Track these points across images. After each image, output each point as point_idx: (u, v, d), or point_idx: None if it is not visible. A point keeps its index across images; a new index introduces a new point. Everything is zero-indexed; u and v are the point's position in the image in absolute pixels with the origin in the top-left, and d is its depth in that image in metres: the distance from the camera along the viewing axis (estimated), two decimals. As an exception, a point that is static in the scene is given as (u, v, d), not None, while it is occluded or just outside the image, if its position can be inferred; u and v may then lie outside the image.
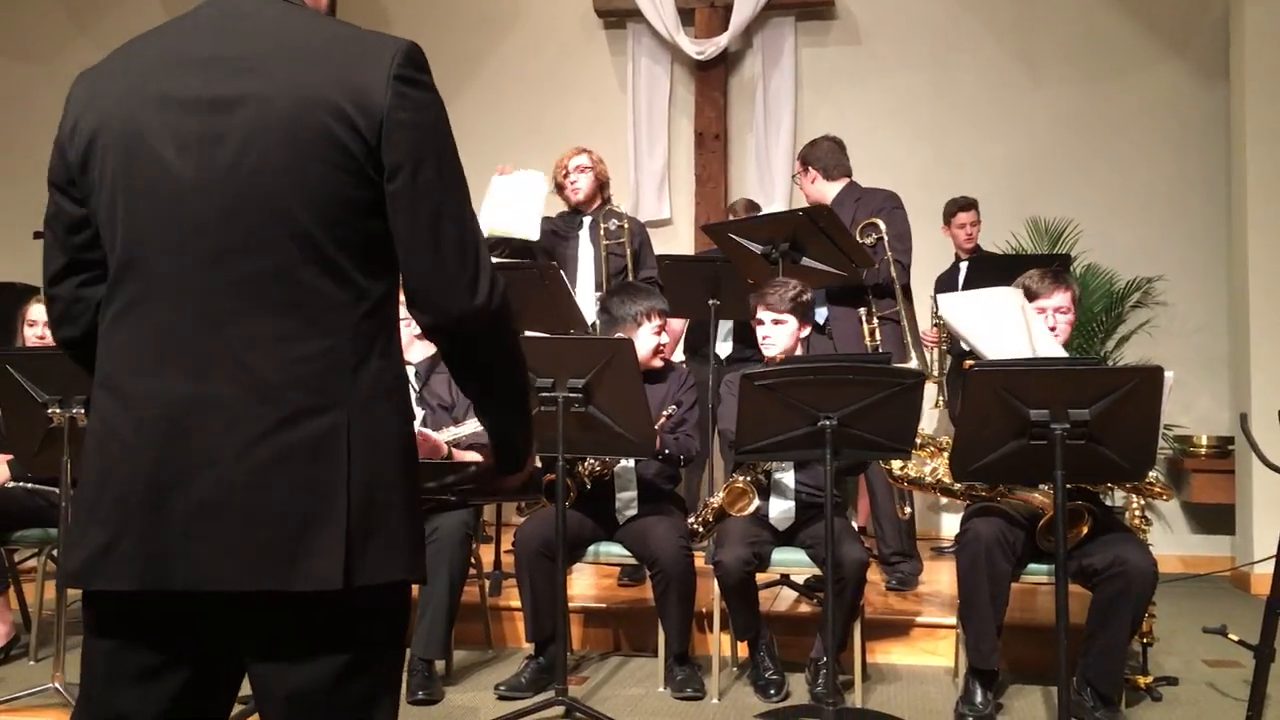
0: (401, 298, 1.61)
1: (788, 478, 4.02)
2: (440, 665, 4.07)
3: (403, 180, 1.50)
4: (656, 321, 4.23)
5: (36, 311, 4.61)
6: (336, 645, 1.51)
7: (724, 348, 5.63)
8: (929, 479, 3.94)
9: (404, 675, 3.77)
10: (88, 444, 1.53)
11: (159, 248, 1.50)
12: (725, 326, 5.61)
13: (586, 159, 5.36)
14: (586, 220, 5.37)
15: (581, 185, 5.33)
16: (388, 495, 1.51)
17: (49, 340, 4.51)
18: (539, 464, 1.83)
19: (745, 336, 5.35)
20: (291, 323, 1.47)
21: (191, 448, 1.45)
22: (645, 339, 4.19)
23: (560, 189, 5.41)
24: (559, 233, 5.38)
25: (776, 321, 4.05)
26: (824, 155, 5.11)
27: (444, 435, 3.97)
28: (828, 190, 5.08)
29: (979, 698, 3.67)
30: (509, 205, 5.08)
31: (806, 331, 4.14)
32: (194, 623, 1.50)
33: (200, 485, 1.44)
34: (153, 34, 1.62)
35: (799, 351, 4.11)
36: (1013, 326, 3.80)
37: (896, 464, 3.97)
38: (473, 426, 4.08)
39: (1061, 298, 3.88)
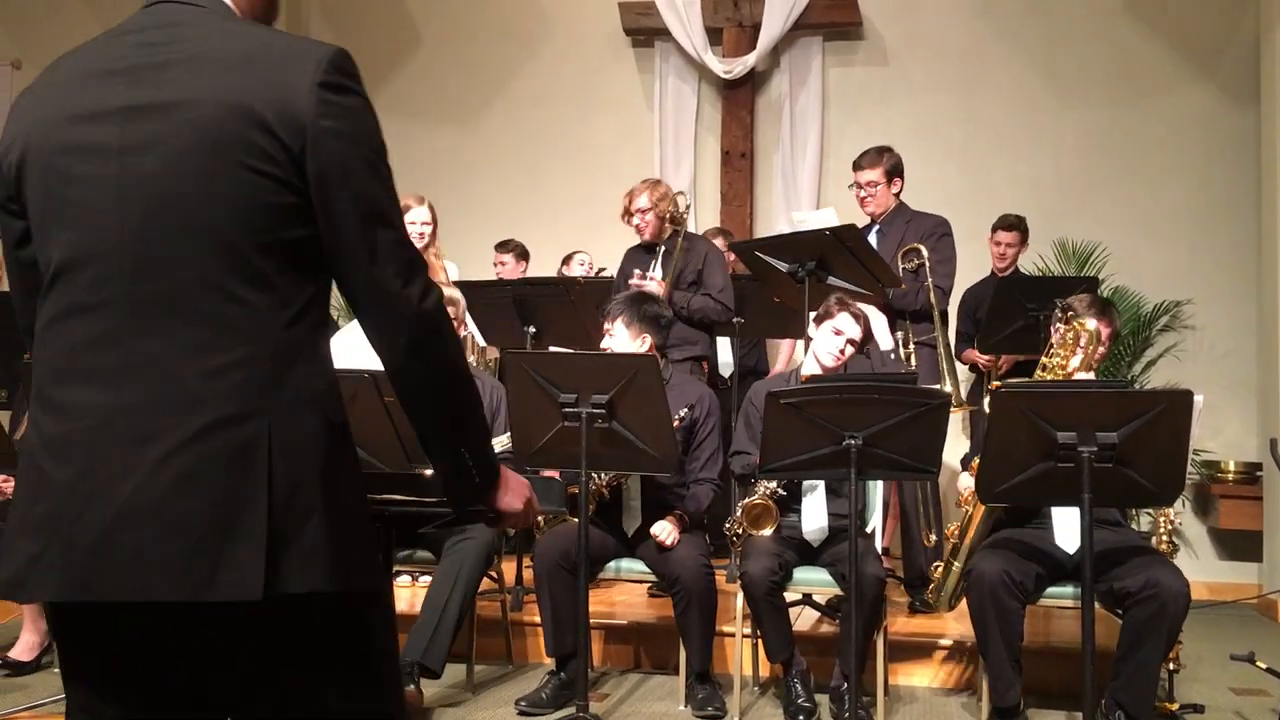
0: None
1: (819, 495, 4.01)
2: (462, 679, 4.06)
3: (332, 187, 1.48)
4: (607, 324, 4.23)
5: None
6: (278, 663, 1.50)
7: (727, 367, 5.69)
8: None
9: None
10: (23, 456, 1.52)
11: (84, 260, 1.49)
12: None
13: (647, 200, 5.33)
14: (661, 250, 5.41)
15: (648, 225, 5.37)
16: (310, 503, 1.47)
17: None
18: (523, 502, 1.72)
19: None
20: (211, 332, 1.46)
21: (111, 458, 1.43)
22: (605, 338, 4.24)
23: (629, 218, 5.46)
24: (640, 266, 5.42)
25: (852, 343, 4.09)
26: (903, 172, 5.07)
27: None
28: (891, 205, 5.06)
29: (1002, 723, 3.64)
30: None
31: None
32: (132, 647, 1.50)
33: (119, 495, 1.42)
34: (79, 49, 1.61)
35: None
36: None
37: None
38: (502, 444, 4.09)
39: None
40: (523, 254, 6.68)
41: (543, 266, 6.70)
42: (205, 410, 1.43)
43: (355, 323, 1.62)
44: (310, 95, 1.47)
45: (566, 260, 6.61)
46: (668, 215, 5.35)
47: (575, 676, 3.80)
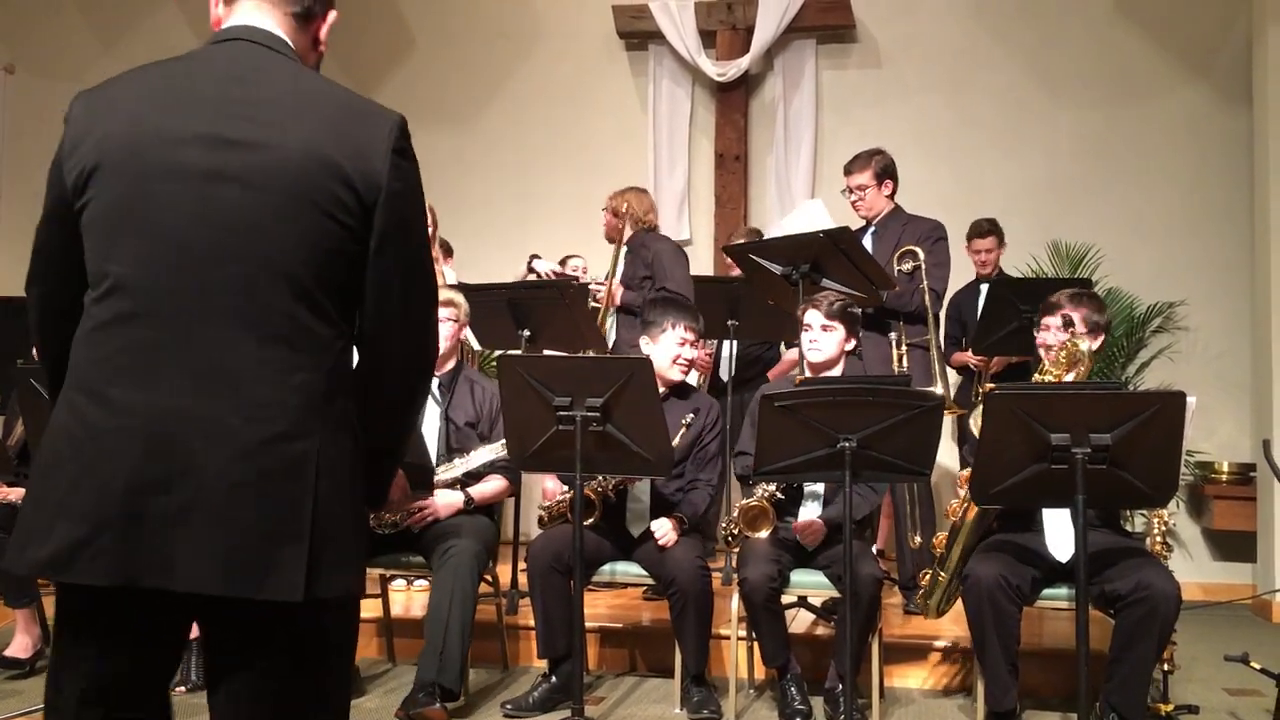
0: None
1: (814, 508, 4.02)
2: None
3: (393, 243, 1.68)
4: (680, 333, 4.26)
5: None
6: (288, 651, 1.63)
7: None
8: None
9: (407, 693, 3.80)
10: (56, 443, 1.60)
11: (154, 271, 1.59)
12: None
13: (607, 201, 5.64)
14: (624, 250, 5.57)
15: (606, 224, 5.64)
16: (342, 515, 1.65)
17: None
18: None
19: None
20: (279, 353, 1.59)
21: (176, 457, 1.54)
22: (667, 346, 4.24)
23: None
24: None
25: (825, 328, 4.09)
26: (896, 174, 5.08)
27: (459, 466, 4.16)
28: (885, 208, 5.06)
29: (997, 726, 3.64)
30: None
31: (852, 344, 4.17)
32: (152, 622, 1.62)
33: (182, 492, 1.54)
34: (161, 67, 1.71)
35: (841, 366, 4.14)
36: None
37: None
38: (496, 451, 4.11)
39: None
40: (449, 251, 6.69)
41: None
42: (271, 424, 1.57)
43: None
44: (385, 159, 1.67)
45: (562, 263, 6.60)
46: (624, 215, 5.47)
47: (568, 680, 3.80)
